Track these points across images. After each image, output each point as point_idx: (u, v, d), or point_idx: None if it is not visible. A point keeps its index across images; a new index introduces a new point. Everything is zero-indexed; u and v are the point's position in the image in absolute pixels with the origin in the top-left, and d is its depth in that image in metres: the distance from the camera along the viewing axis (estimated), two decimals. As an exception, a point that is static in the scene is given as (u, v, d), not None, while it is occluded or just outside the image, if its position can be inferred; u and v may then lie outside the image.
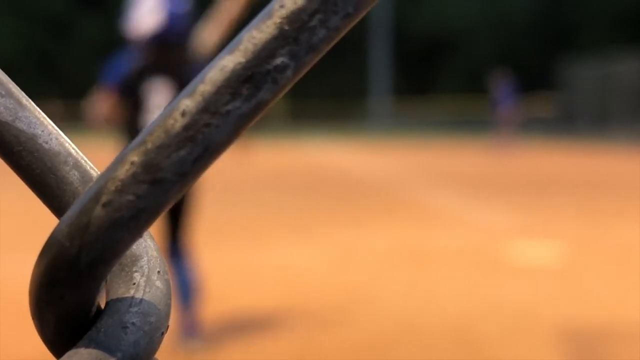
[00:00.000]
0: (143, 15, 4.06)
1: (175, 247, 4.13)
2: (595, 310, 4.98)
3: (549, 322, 4.69)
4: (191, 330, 4.18)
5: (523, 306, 5.03)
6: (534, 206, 10.17)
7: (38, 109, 0.41)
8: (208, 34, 4.18)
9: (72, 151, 0.41)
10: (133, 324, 0.37)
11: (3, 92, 0.40)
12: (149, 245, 0.40)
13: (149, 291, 0.38)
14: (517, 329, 4.53)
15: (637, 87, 27.61)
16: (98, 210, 0.34)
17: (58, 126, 0.42)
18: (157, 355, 0.39)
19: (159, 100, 4.08)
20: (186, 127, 0.33)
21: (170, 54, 4.09)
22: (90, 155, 0.46)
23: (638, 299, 5.22)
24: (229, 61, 0.33)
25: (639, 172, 14.39)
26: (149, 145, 0.34)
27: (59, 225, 0.35)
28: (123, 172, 0.34)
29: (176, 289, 4.06)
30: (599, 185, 13.04)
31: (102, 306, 0.39)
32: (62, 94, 33.63)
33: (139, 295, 0.38)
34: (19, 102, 0.41)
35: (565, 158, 20.28)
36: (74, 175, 0.41)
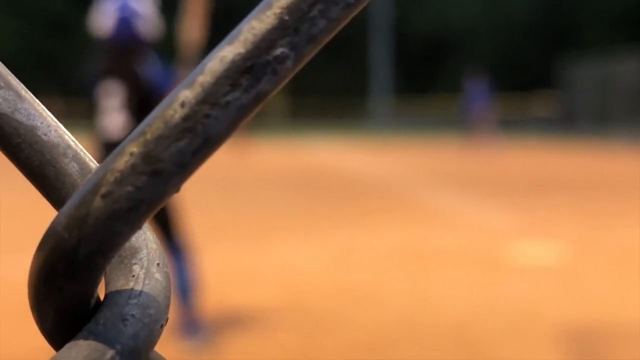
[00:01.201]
0: (101, 19, 4.14)
1: (173, 245, 4.14)
2: (596, 310, 4.98)
3: (550, 321, 4.69)
4: (191, 327, 4.18)
5: (524, 306, 5.03)
6: (535, 206, 10.17)
7: (37, 101, 0.41)
8: (188, 31, 4.21)
9: (72, 143, 0.41)
10: (132, 316, 0.36)
11: (2, 84, 0.40)
12: (148, 237, 0.40)
13: (149, 283, 0.38)
14: (518, 329, 4.53)
15: (637, 87, 27.61)
16: (97, 202, 0.34)
17: None
18: (156, 348, 0.39)
19: (112, 102, 4.11)
20: (185, 118, 0.33)
21: (124, 58, 4.15)
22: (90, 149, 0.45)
23: (638, 299, 5.22)
24: (229, 52, 0.33)
25: (639, 172, 14.39)
26: (148, 137, 0.33)
27: (57, 216, 0.35)
28: (122, 163, 0.34)
29: (175, 286, 4.08)
30: (599, 185, 13.04)
31: (102, 298, 0.38)
32: (61, 92, 33.64)
33: (138, 287, 0.38)
34: (18, 94, 0.41)
35: (565, 158, 20.28)
36: (73, 167, 0.41)
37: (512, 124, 31.26)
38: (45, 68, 40.38)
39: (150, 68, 4.17)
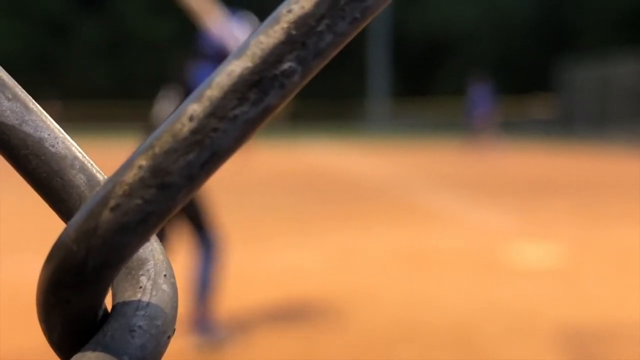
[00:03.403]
0: (234, 34, 4.34)
1: (203, 239, 4.24)
2: (594, 312, 4.99)
3: (548, 323, 4.69)
4: (203, 324, 4.24)
5: (522, 307, 5.03)
6: (533, 207, 10.18)
7: (45, 112, 0.41)
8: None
9: (79, 155, 0.41)
10: (140, 327, 0.37)
11: (10, 96, 0.41)
12: (155, 248, 0.40)
13: (156, 295, 0.38)
14: (517, 330, 4.53)
15: (636, 89, 27.63)
16: (106, 214, 0.34)
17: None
18: (164, 358, 0.39)
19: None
20: (194, 132, 0.33)
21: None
22: (92, 157, 0.46)
23: (637, 300, 5.22)
24: (237, 66, 0.33)
25: (637, 174, 14.40)
26: (157, 150, 0.34)
27: (66, 228, 0.36)
28: (131, 176, 0.34)
29: (195, 281, 4.19)
30: (598, 187, 13.05)
31: (109, 309, 0.39)
32: (61, 95, 33.64)
33: (145, 298, 0.38)
34: (25, 106, 0.41)
35: (564, 159, 20.29)
36: (80, 179, 0.41)
37: (511, 126, 31.28)
38: (44, 70, 40.39)
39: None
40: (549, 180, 14.41)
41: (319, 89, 36.15)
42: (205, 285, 4.20)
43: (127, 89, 38.96)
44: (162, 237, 4.39)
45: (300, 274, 6.12)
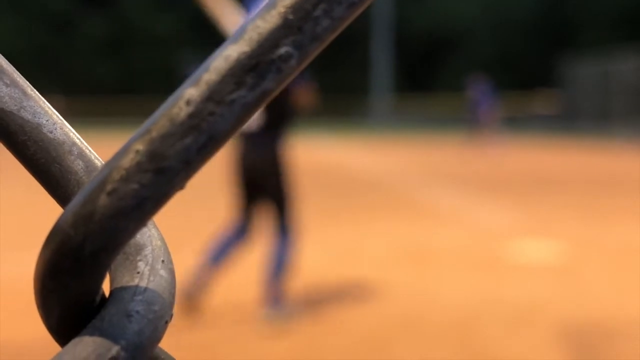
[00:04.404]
0: None
1: (282, 225, 4.62)
2: (595, 308, 4.99)
3: (550, 320, 4.69)
4: (274, 301, 4.54)
5: (524, 304, 5.04)
6: (535, 204, 10.17)
7: (43, 98, 0.42)
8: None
9: (77, 141, 0.41)
10: (137, 312, 0.37)
11: (8, 82, 0.41)
12: (153, 234, 0.40)
13: (153, 280, 0.38)
14: (518, 327, 4.53)
15: (638, 85, 27.61)
16: (103, 199, 0.34)
17: None
18: (162, 344, 0.39)
19: None
20: (191, 116, 0.33)
21: None
22: (95, 149, 0.46)
23: (639, 297, 5.22)
24: (234, 50, 0.33)
25: (639, 170, 14.38)
26: (154, 134, 0.34)
27: (63, 214, 0.36)
28: (128, 160, 0.34)
29: (271, 260, 4.56)
30: (599, 183, 13.04)
31: (107, 295, 0.39)
32: (64, 90, 33.67)
33: (143, 284, 0.38)
34: (23, 92, 0.41)
35: (566, 156, 20.27)
36: (78, 165, 0.41)
37: (513, 122, 31.27)
38: (47, 65, 40.41)
39: None
40: (551, 176, 14.40)
41: (321, 84, 36.11)
42: (279, 266, 4.54)
43: (131, 84, 39.03)
44: (247, 219, 4.71)
45: (301, 269, 6.12)
